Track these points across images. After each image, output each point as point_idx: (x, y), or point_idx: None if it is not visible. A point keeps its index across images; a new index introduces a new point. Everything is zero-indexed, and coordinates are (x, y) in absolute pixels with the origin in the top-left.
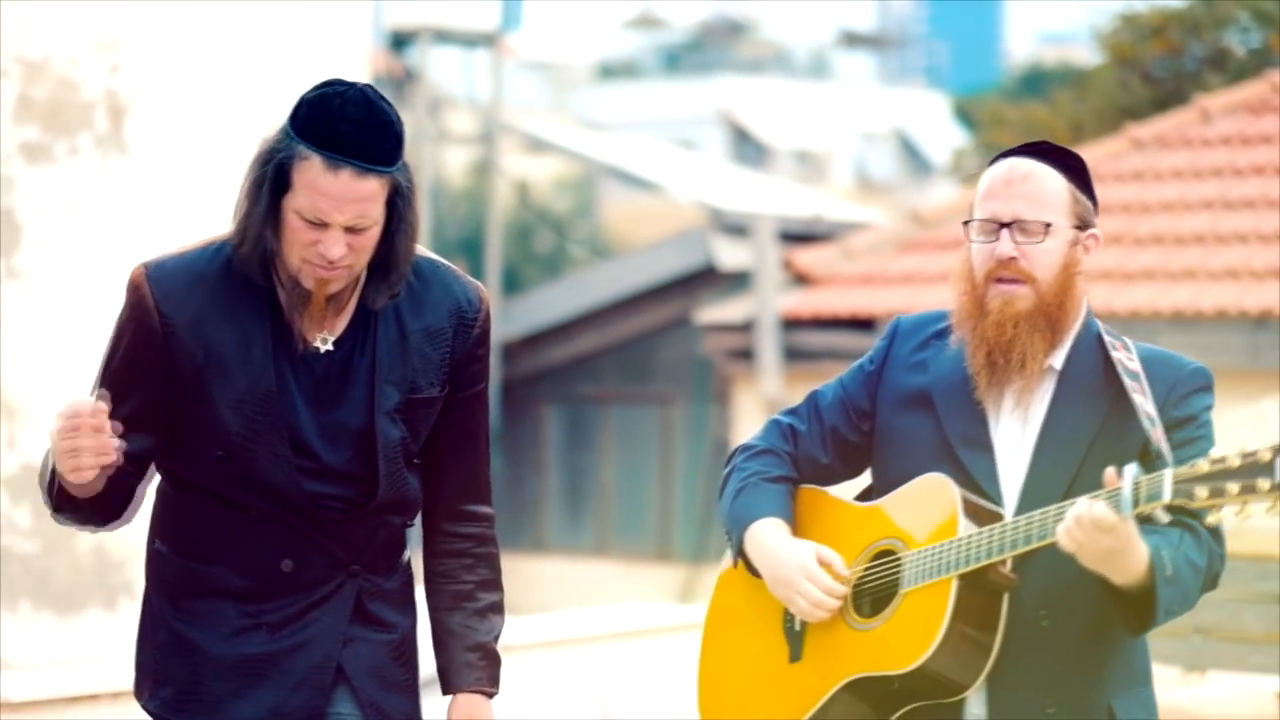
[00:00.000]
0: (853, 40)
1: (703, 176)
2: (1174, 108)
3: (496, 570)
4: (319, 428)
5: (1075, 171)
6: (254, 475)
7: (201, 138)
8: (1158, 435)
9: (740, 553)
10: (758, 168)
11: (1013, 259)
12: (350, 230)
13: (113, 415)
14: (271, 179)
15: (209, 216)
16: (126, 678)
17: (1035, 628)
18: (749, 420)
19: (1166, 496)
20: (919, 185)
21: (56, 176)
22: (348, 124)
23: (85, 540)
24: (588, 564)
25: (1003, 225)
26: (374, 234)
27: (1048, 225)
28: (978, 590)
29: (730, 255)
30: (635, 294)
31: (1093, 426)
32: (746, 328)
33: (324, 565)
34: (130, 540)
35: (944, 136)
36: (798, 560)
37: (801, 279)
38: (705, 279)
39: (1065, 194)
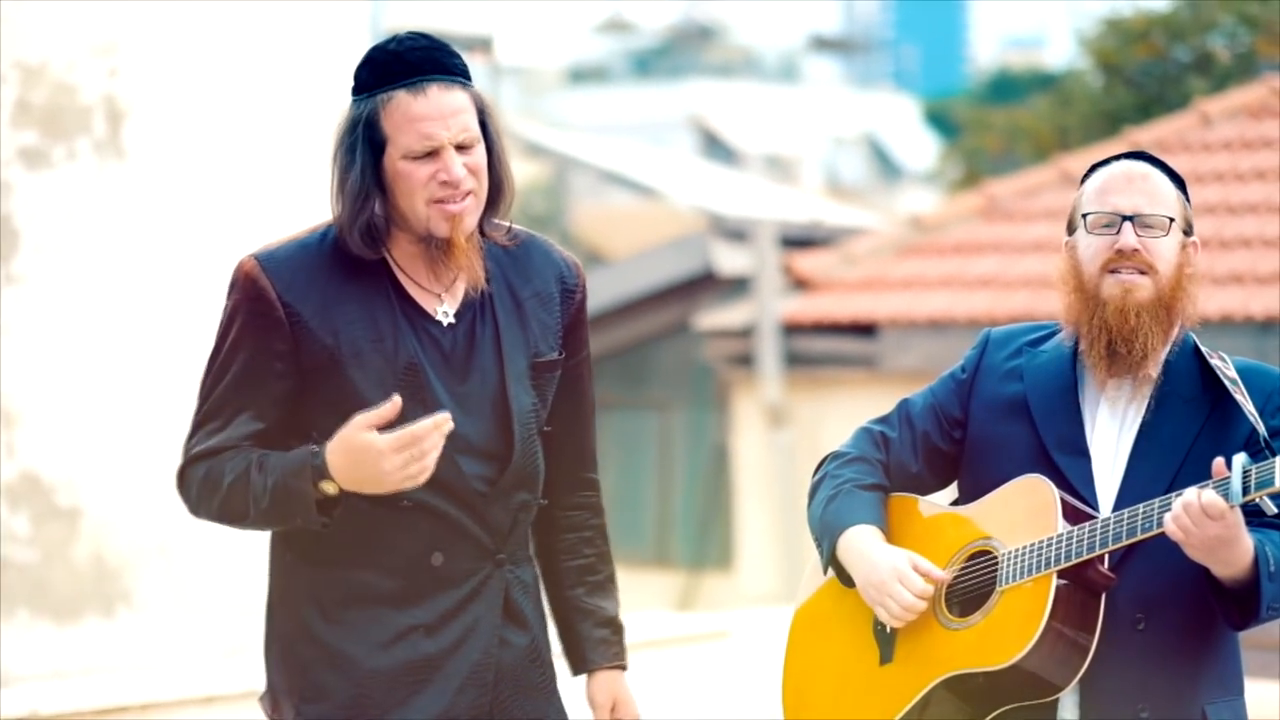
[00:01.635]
0: (821, 44)
1: (696, 181)
2: (1158, 112)
3: (609, 542)
4: (454, 401)
5: (1179, 181)
6: None
7: (200, 142)
8: (1263, 430)
9: (832, 559)
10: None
11: (1136, 250)
12: (460, 150)
13: (248, 424)
14: (363, 138)
15: (208, 220)
16: (155, 689)
17: (1131, 630)
18: (749, 426)
19: (1278, 483)
20: (890, 189)
21: (55, 181)
22: (415, 50)
23: (83, 548)
24: None
25: (1125, 218)
26: (482, 154)
27: (1170, 220)
28: (1076, 589)
29: (730, 260)
30: (634, 299)
31: (1190, 433)
32: (746, 333)
33: (471, 556)
34: (127, 548)
35: (914, 141)
36: (892, 564)
37: (801, 284)
38: (704, 284)
39: (1176, 197)
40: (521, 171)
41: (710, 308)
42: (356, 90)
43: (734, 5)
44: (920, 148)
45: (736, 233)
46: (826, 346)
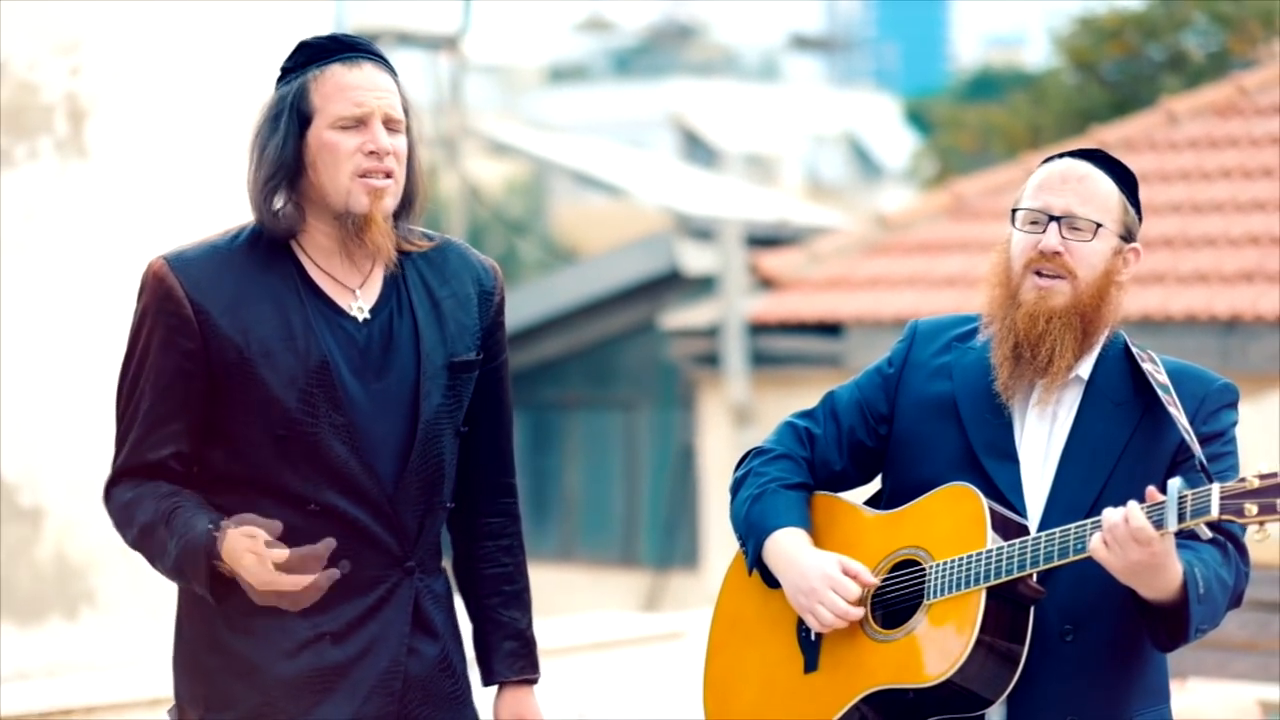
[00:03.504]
0: (802, 43)
1: (666, 180)
2: (1131, 110)
3: (525, 551)
4: (368, 397)
5: (1128, 184)
6: (317, 453)
7: (162, 141)
8: (1198, 449)
9: (758, 561)
10: (708, 170)
11: (1057, 253)
12: (387, 129)
13: (164, 426)
14: (290, 111)
15: (170, 219)
16: (101, 692)
17: (1059, 642)
18: (715, 426)
19: (1214, 512)
20: (870, 188)
21: (16, 181)
22: (348, 38)
23: (45, 549)
24: (552, 570)
25: (1053, 218)
26: (404, 143)
27: (1098, 225)
28: (1005, 603)
29: (696, 259)
30: (600, 298)
31: (1121, 438)
32: (712, 332)
33: (379, 564)
34: (91, 548)
35: (894, 139)
36: (822, 570)
37: (768, 283)
38: (670, 283)
39: (1117, 201)
40: (500, 172)
41: (676, 307)
42: (283, 75)
43: (714, 4)
44: (901, 147)
45: (703, 232)
46: (793, 345)
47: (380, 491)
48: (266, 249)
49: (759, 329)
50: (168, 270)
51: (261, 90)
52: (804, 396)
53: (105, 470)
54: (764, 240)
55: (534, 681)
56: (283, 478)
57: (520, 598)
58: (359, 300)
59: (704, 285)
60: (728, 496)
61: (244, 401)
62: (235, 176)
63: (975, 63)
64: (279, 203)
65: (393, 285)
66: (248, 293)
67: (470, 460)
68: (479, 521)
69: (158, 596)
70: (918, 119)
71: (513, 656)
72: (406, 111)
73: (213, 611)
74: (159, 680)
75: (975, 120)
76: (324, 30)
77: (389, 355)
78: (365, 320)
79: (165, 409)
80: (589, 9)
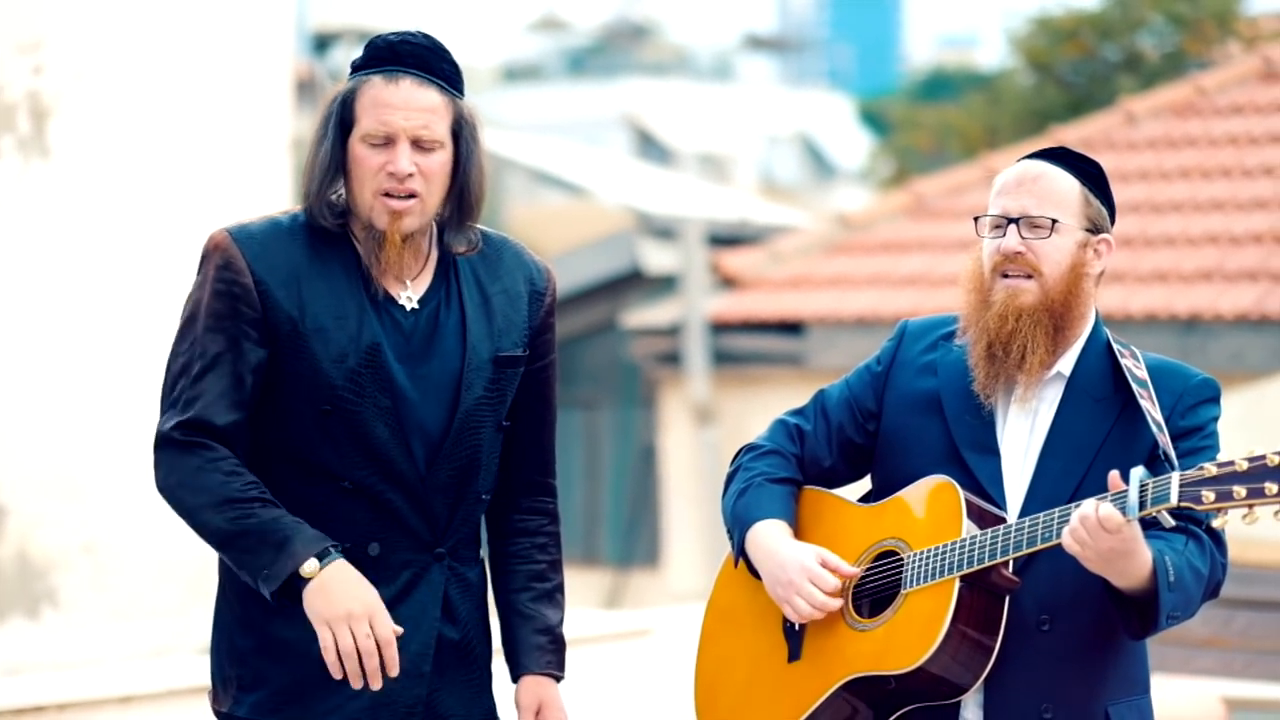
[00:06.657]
0: (755, 43)
1: (626, 179)
2: (1087, 111)
3: (562, 550)
4: (412, 383)
5: (1091, 177)
6: (358, 431)
7: (125, 140)
8: (1165, 440)
9: (742, 553)
10: (662, 170)
11: (1019, 253)
12: (417, 148)
13: (226, 394)
14: (336, 114)
15: (133, 219)
16: (73, 689)
17: (1035, 632)
18: (676, 425)
19: (1173, 499)
20: (824, 188)
21: None
22: (406, 44)
23: (7, 548)
24: None
25: (1011, 220)
26: (441, 161)
27: (1054, 221)
28: (980, 592)
29: (657, 259)
30: (561, 297)
31: (1100, 433)
32: (674, 331)
33: (409, 547)
34: (53, 548)
35: (848, 139)
36: (799, 562)
37: (729, 282)
38: (632, 282)
39: (1076, 195)
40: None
41: (638, 306)
42: (352, 71)
43: (668, 4)
44: (854, 147)
45: (664, 231)
46: (754, 344)
47: (414, 475)
48: (325, 232)
49: (720, 328)
50: (230, 241)
51: (222, 89)
52: (765, 395)
53: (69, 469)
54: (725, 239)
55: (558, 679)
56: (322, 453)
57: (552, 596)
58: (409, 290)
59: (665, 284)
60: (689, 494)
61: (293, 374)
62: (198, 174)
63: (928, 63)
64: (334, 196)
65: (443, 278)
66: (306, 270)
67: (511, 458)
68: (514, 518)
69: (119, 596)
70: (871, 119)
71: (539, 650)
72: (461, 122)
73: (248, 594)
74: (128, 679)
75: (932, 120)
76: (286, 31)
77: (434, 344)
78: (413, 309)
79: (224, 376)
80: (542, 9)
